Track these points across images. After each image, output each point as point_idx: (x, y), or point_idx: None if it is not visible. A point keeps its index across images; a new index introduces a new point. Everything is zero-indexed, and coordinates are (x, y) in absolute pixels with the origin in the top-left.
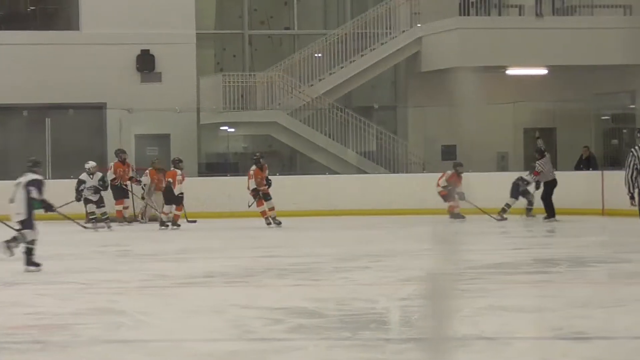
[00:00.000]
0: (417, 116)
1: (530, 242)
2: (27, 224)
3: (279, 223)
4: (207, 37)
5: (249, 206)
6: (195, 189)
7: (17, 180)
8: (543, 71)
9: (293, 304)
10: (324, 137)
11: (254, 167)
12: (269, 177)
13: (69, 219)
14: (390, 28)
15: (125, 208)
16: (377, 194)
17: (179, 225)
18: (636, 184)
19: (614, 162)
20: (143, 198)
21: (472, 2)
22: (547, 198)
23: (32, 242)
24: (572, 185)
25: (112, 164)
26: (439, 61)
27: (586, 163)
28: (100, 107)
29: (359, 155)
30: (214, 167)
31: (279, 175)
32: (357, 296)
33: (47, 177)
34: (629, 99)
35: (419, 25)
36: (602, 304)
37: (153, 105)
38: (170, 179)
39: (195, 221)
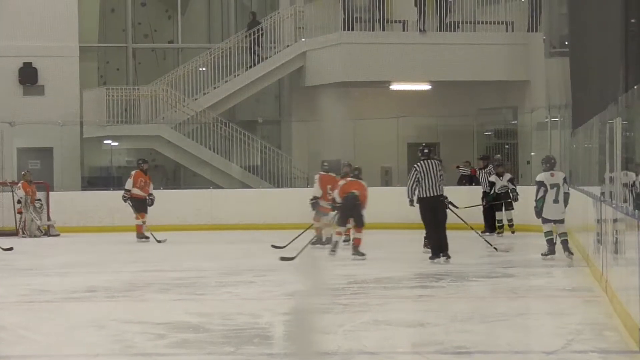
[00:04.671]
0: (301, 131)
1: (411, 256)
2: None
3: None
4: (91, 50)
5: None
6: (78, 202)
7: None
8: (426, 86)
9: (176, 319)
10: (208, 151)
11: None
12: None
13: None
14: (274, 42)
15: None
16: (261, 209)
17: None
18: (415, 193)
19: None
20: (20, 212)
21: (356, 18)
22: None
23: None
24: (454, 200)
25: (133, 172)
26: (323, 76)
27: (468, 178)
28: None
29: (243, 170)
30: (97, 181)
31: (163, 189)
32: (241, 311)
33: None
34: (511, 115)
35: (303, 40)
36: (484, 318)
37: (35, 118)
38: None
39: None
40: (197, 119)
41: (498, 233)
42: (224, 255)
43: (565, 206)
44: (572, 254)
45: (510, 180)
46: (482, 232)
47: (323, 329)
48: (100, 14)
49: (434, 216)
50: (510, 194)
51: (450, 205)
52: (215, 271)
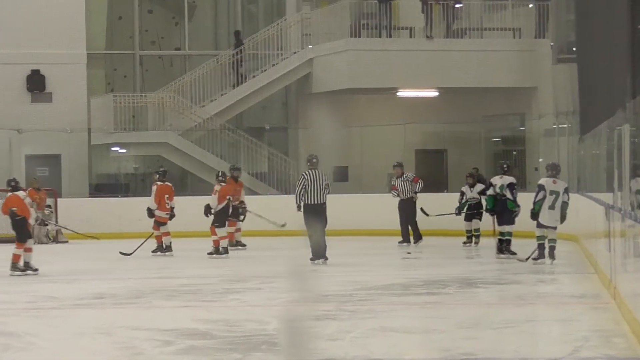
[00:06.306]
0: (308, 137)
1: (419, 263)
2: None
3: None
4: (98, 58)
5: None
6: (85, 209)
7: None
8: (434, 93)
9: (183, 326)
10: (215, 158)
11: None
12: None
13: None
14: (281, 49)
15: (238, 230)
16: (268, 215)
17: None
18: (303, 199)
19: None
20: None
21: (363, 24)
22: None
23: (509, 234)
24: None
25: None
26: (330, 83)
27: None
28: None
29: (251, 176)
30: (104, 187)
31: None
32: (248, 317)
33: None
34: (519, 121)
35: (310, 46)
36: (491, 325)
37: (43, 125)
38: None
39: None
40: (204, 125)
41: (475, 242)
42: (230, 261)
43: (562, 215)
44: (554, 259)
45: (482, 192)
46: (400, 242)
47: (330, 336)
48: (107, 21)
49: (316, 222)
50: (511, 207)
51: (422, 212)
52: (222, 278)
